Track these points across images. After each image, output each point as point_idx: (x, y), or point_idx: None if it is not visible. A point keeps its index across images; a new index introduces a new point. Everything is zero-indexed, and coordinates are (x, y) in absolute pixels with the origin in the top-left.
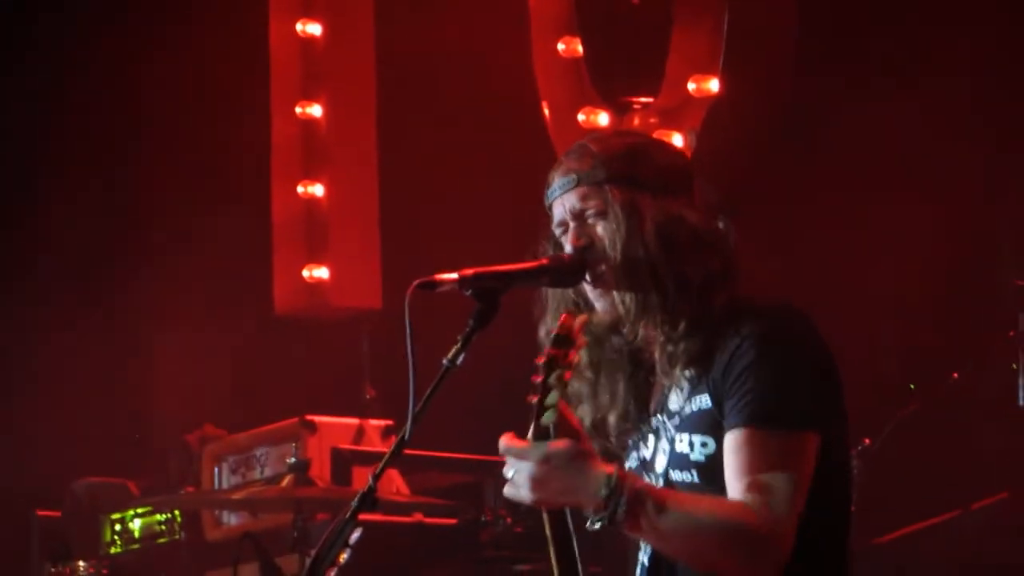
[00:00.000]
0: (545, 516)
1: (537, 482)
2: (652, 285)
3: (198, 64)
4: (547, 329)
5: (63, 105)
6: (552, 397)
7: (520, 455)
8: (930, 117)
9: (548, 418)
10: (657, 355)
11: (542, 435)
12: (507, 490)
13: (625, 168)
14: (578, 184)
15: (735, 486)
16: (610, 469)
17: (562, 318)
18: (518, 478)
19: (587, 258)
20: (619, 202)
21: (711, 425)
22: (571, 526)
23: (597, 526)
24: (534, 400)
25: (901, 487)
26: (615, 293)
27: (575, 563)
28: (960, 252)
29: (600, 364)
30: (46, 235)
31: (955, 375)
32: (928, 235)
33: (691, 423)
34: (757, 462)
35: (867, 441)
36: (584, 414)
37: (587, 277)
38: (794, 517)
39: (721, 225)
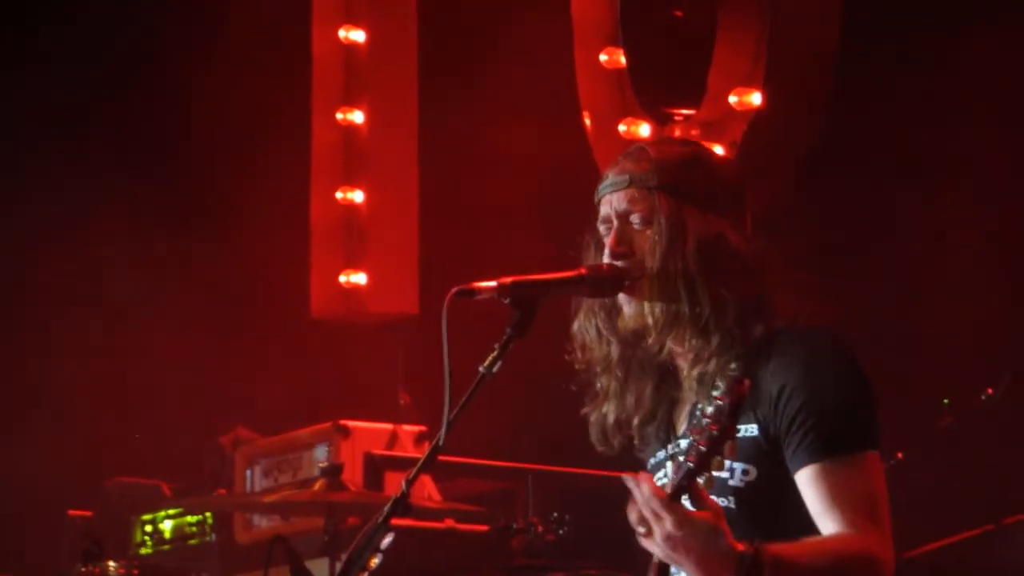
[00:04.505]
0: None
1: (673, 544)
2: (685, 300)
3: (240, 70)
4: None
5: (103, 111)
6: (715, 464)
7: (664, 510)
8: (973, 126)
9: (704, 483)
10: (687, 373)
11: (678, 496)
12: (644, 541)
13: (677, 178)
14: (629, 186)
15: (832, 517)
16: (741, 547)
17: (733, 385)
18: (656, 533)
19: (624, 267)
20: (665, 212)
21: (755, 453)
22: None
23: None
24: (691, 460)
25: (934, 501)
26: (646, 303)
27: None
28: (1003, 267)
29: (631, 365)
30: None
31: (989, 390)
32: (970, 251)
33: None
34: (846, 491)
35: (900, 455)
36: (609, 411)
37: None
38: (890, 533)
39: (764, 250)
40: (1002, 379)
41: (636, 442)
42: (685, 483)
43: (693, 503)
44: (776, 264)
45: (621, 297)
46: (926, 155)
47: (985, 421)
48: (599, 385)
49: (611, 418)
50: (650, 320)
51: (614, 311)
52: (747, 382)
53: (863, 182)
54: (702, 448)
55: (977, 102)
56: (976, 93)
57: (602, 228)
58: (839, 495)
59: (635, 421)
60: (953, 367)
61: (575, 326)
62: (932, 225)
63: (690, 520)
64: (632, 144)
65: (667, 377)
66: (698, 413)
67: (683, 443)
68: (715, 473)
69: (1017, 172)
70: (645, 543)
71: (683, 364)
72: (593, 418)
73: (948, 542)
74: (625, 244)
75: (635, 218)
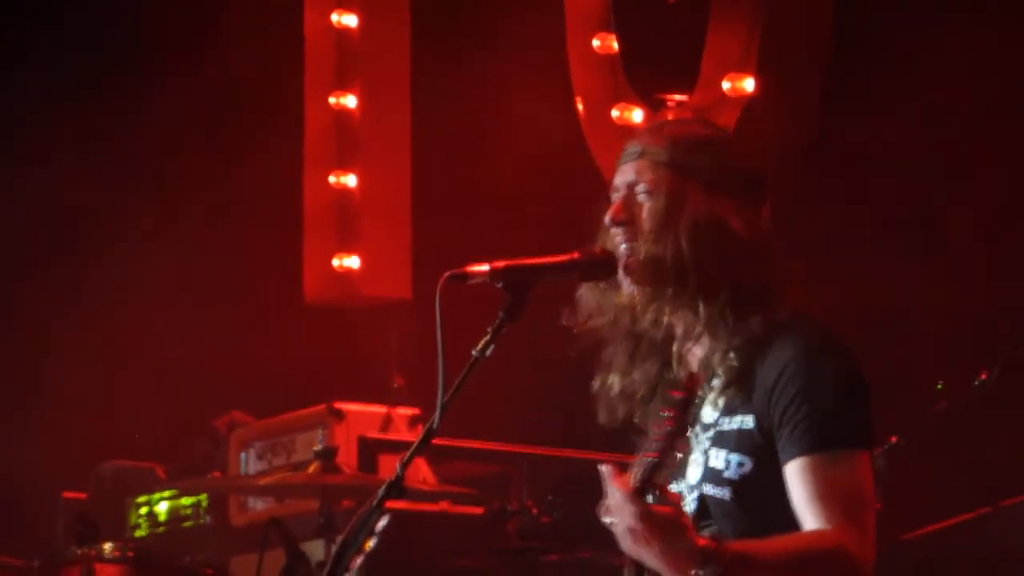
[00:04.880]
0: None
1: (635, 536)
2: (673, 279)
3: (232, 54)
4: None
5: (95, 97)
6: (672, 458)
7: (623, 503)
8: (965, 118)
9: (663, 478)
10: (685, 359)
11: (644, 491)
12: (619, 535)
13: (688, 157)
14: (639, 157)
15: (814, 511)
16: (703, 542)
17: (686, 380)
18: (619, 525)
19: (619, 251)
20: (667, 187)
21: (751, 445)
22: None
23: None
24: (650, 456)
25: (929, 484)
26: (637, 278)
27: None
28: (995, 254)
29: (640, 341)
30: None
31: (983, 374)
32: (962, 237)
33: (728, 440)
34: (830, 486)
35: (894, 439)
36: (614, 381)
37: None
38: (872, 532)
39: (770, 240)
40: (996, 364)
41: (637, 419)
42: (647, 477)
43: (656, 498)
44: (781, 255)
45: (620, 274)
46: (920, 142)
47: (980, 406)
48: (605, 355)
49: (616, 388)
50: (639, 295)
51: (611, 286)
52: (700, 376)
53: (859, 168)
54: (661, 443)
55: (976, 83)
56: (975, 75)
57: (613, 196)
58: (822, 491)
59: (638, 397)
60: (947, 352)
61: (579, 292)
62: (926, 209)
63: (650, 515)
64: (625, 129)
65: (667, 358)
66: (661, 408)
67: None
68: (711, 465)
69: (1015, 154)
70: (620, 539)
71: (678, 343)
72: (598, 387)
73: (944, 525)
74: (626, 212)
75: (640, 189)
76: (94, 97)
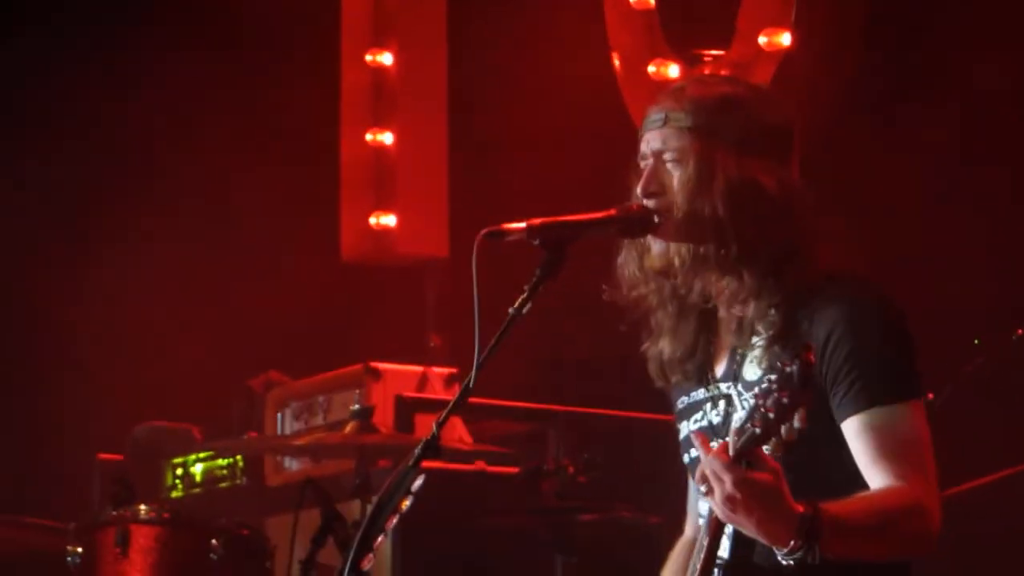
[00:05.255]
0: (707, 534)
1: (733, 504)
2: (712, 242)
3: (268, 11)
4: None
5: (115, 55)
6: (784, 432)
7: (725, 471)
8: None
9: (769, 451)
10: (724, 318)
11: (741, 457)
12: (708, 499)
13: (713, 119)
14: (664, 124)
15: (880, 469)
16: (801, 508)
17: (804, 353)
18: (716, 493)
19: (655, 207)
20: (696, 153)
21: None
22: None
23: (790, 562)
24: (757, 427)
25: (967, 441)
26: (672, 244)
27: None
28: None
29: (683, 304)
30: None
31: (1020, 331)
32: (999, 199)
33: None
34: (892, 442)
35: (931, 395)
36: (665, 346)
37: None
38: (936, 481)
39: (804, 196)
40: None
41: (676, 378)
42: (749, 447)
43: (755, 466)
44: (815, 211)
45: (649, 237)
46: (954, 91)
47: (1017, 361)
48: (654, 321)
49: (667, 353)
50: (676, 260)
51: (645, 250)
52: (813, 347)
53: (893, 116)
54: (770, 415)
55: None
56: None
57: (641, 163)
58: (886, 446)
59: (683, 358)
60: (985, 308)
61: (619, 261)
62: (960, 159)
63: (750, 482)
64: (662, 84)
65: (706, 317)
66: (765, 377)
67: (723, 387)
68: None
69: None
70: (709, 501)
71: (720, 307)
72: (651, 354)
73: (983, 482)
74: (656, 183)
75: (668, 157)
76: (120, 58)
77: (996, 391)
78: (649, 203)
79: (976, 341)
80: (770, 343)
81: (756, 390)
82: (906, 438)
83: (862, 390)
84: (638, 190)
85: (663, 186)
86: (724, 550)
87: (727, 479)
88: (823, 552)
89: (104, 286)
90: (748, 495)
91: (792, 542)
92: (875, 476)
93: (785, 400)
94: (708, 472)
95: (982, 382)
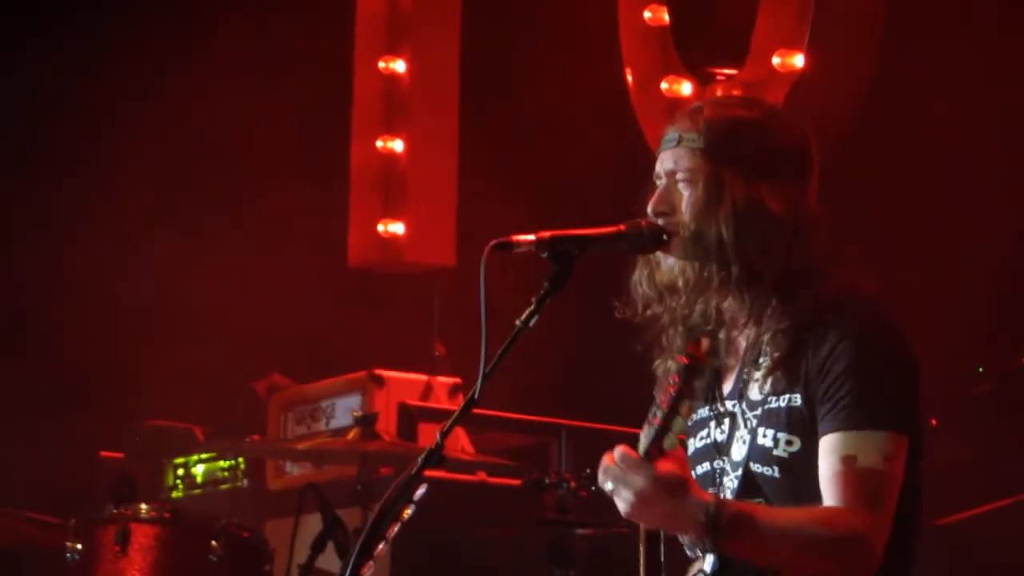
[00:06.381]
0: (642, 532)
1: (642, 501)
2: (716, 263)
3: (282, 17)
4: (675, 352)
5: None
6: (678, 424)
7: (631, 469)
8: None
9: (670, 443)
10: (730, 337)
11: (651, 456)
12: (617, 502)
13: (725, 141)
14: (677, 145)
15: (831, 489)
16: (708, 497)
17: (690, 347)
18: (623, 492)
19: (663, 224)
20: (705, 175)
21: (799, 423)
22: (663, 549)
23: (699, 554)
24: (655, 422)
25: (967, 469)
26: (678, 263)
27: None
28: None
29: (691, 323)
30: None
31: (1023, 359)
32: (1006, 220)
33: (777, 419)
34: (852, 466)
35: (934, 422)
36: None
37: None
38: (889, 518)
39: (815, 219)
40: None
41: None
42: (655, 445)
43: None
44: (826, 234)
45: (659, 253)
46: (961, 120)
47: (1020, 390)
48: (665, 339)
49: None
50: (680, 280)
51: (656, 266)
52: (705, 342)
53: (896, 146)
54: (664, 409)
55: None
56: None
57: (656, 183)
58: (845, 473)
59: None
60: (988, 336)
61: (633, 279)
62: (967, 190)
63: (658, 477)
64: (674, 101)
65: (715, 337)
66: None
67: (728, 405)
68: (759, 443)
69: None
70: (619, 505)
71: (724, 329)
72: (661, 371)
73: (982, 510)
74: (666, 203)
75: (680, 178)
76: (133, 57)
77: (999, 419)
78: (659, 221)
79: (980, 369)
80: (774, 366)
81: (658, 387)
82: (868, 469)
83: (840, 412)
84: (649, 208)
85: (672, 206)
86: (708, 564)
87: (636, 474)
88: (721, 545)
89: (109, 284)
90: (657, 489)
91: (693, 532)
92: (827, 495)
93: (673, 393)
94: (615, 471)
95: (986, 410)
